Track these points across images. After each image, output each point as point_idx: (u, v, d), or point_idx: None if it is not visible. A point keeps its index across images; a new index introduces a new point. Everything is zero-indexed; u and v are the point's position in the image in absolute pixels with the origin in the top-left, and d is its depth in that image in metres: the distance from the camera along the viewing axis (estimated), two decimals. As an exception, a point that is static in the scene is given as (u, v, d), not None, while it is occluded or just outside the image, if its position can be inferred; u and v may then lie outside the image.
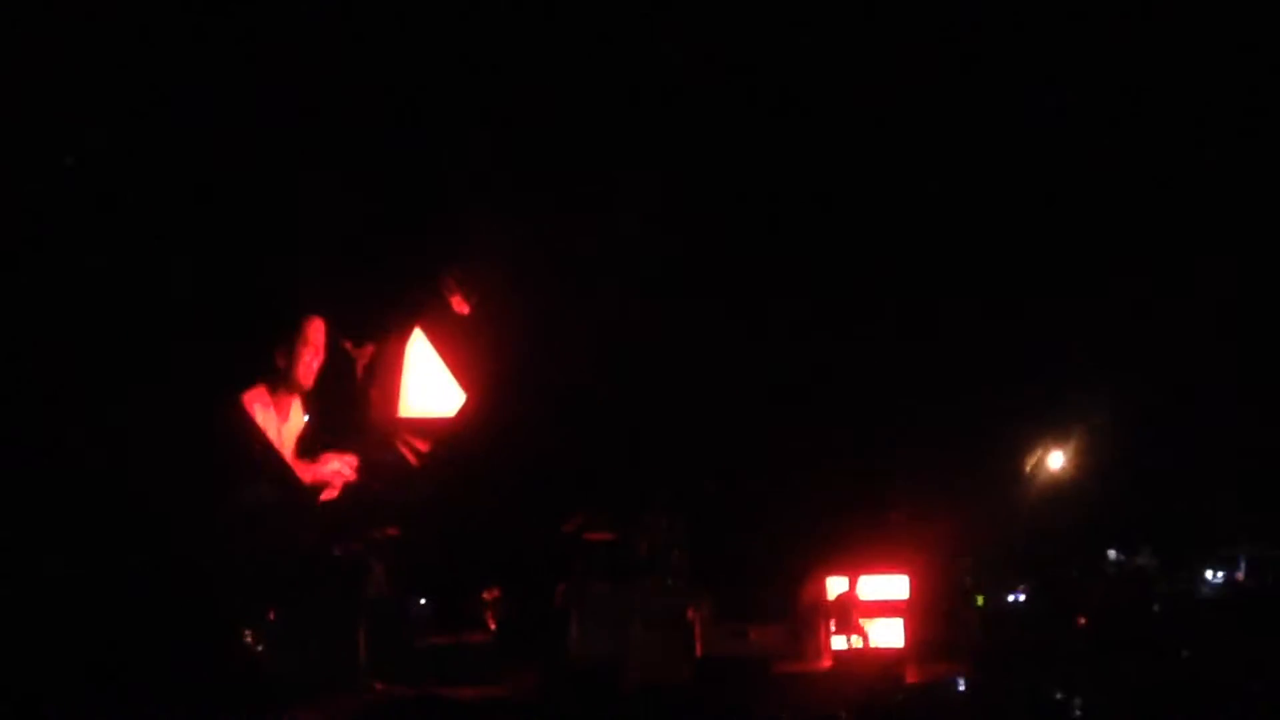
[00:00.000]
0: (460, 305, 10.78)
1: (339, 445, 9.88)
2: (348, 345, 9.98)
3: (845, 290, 12.91)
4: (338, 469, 9.68)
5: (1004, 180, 13.24)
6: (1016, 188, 13.29)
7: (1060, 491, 14.38)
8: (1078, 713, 5.84)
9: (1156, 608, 12.88)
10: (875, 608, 11.29)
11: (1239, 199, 13.21)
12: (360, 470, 9.84)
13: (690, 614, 10.68)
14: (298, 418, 9.66)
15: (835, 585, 11.36)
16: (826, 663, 10.98)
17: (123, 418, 9.14)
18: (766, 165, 12.83)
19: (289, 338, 9.52)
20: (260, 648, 9.07)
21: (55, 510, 8.97)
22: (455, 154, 11.36)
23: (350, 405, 10.08)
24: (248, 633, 9.04)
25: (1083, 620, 12.05)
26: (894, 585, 11.41)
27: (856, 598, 11.24)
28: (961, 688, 9.63)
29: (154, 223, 9.86)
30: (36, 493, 8.94)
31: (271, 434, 9.46)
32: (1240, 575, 13.93)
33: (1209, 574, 14.07)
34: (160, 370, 9.39)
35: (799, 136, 12.84)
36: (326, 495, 9.70)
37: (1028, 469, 14.44)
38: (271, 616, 9.13)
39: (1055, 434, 14.44)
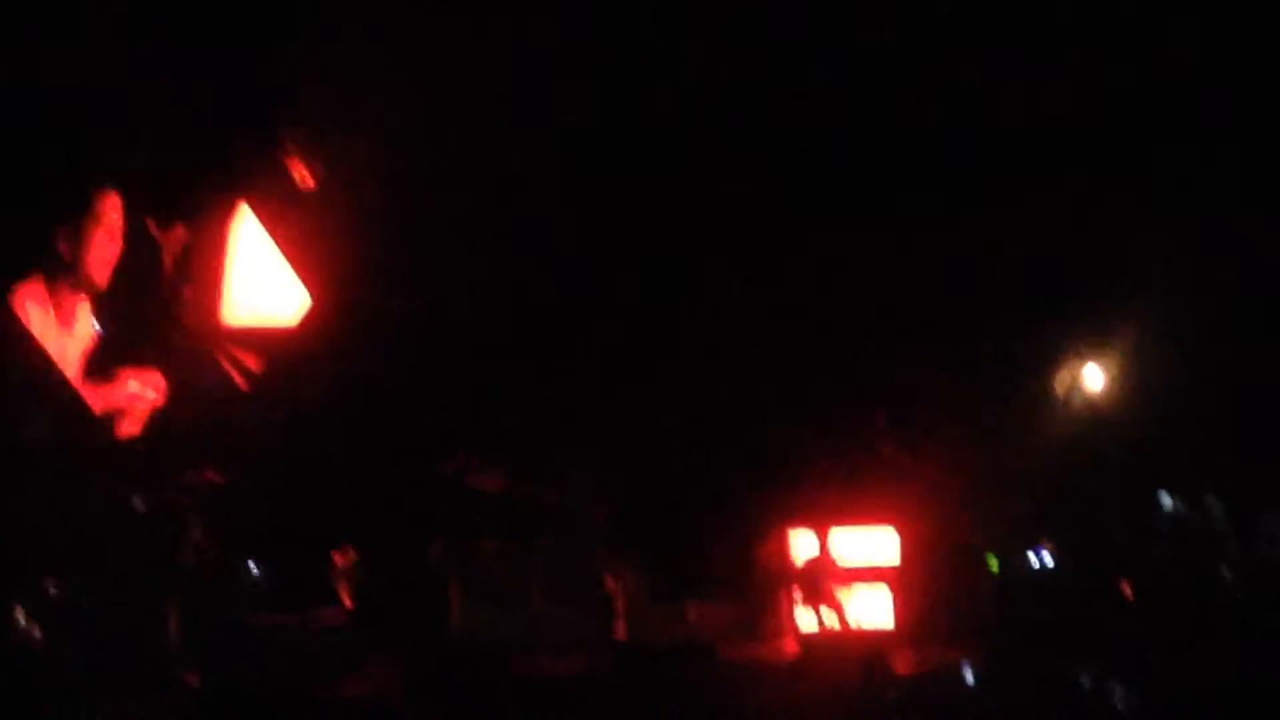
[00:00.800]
0: (303, 176, 10.63)
1: (141, 362, 9.66)
2: (152, 226, 9.91)
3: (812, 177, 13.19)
4: (139, 393, 9.78)
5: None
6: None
7: (1100, 419, 14.74)
8: (1118, 706, 6.17)
9: (1227, 574, 13.11)
10: (855, 574, 11.68)
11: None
12: (171, 395, 9.72)
13: (611, 585, 10.98)
14: (86, 325, 9.38)
15: (802, 544, 11.69)
16: (791, 648, 11.20)
17: None
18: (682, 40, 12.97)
19: (75, 217, 9.50)
20: (37, 630, 9.46)
21: None
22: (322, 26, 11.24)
23: (157, 309, 9.93)
24: (20, 610, 9.39)
25: (1128, 589, 12.29)
26: (879, 543, 11.79)
27: (830, 561, 11.57)
28: (969, 680, 9.87)
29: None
30: None
31: (51, 345, 9.42)
32: None
33: None
34: None
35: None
36: (125, 429, 9.53)
37: (1058, 389, 14.80)
38: (53, 590, 9.25)
39: (1095, 344, 14.83)
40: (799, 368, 12.80)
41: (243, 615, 10.20)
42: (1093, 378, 14.80)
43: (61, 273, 9.43)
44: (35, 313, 9.34)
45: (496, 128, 11.83)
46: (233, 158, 10.69)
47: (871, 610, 11.65)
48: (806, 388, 12.76)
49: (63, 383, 9.45)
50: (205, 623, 9.76)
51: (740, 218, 13.26)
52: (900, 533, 11.86)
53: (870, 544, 11.81)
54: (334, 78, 11.17)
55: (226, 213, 10.45)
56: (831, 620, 11.39)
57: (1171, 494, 14.20)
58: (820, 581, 11.51)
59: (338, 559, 11.03)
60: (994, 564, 12.24)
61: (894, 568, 11.81)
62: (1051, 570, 12.70)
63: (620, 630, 10.75)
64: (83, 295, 9.57)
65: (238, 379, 10.24)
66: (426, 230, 11.42)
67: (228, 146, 10.75)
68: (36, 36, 10.36)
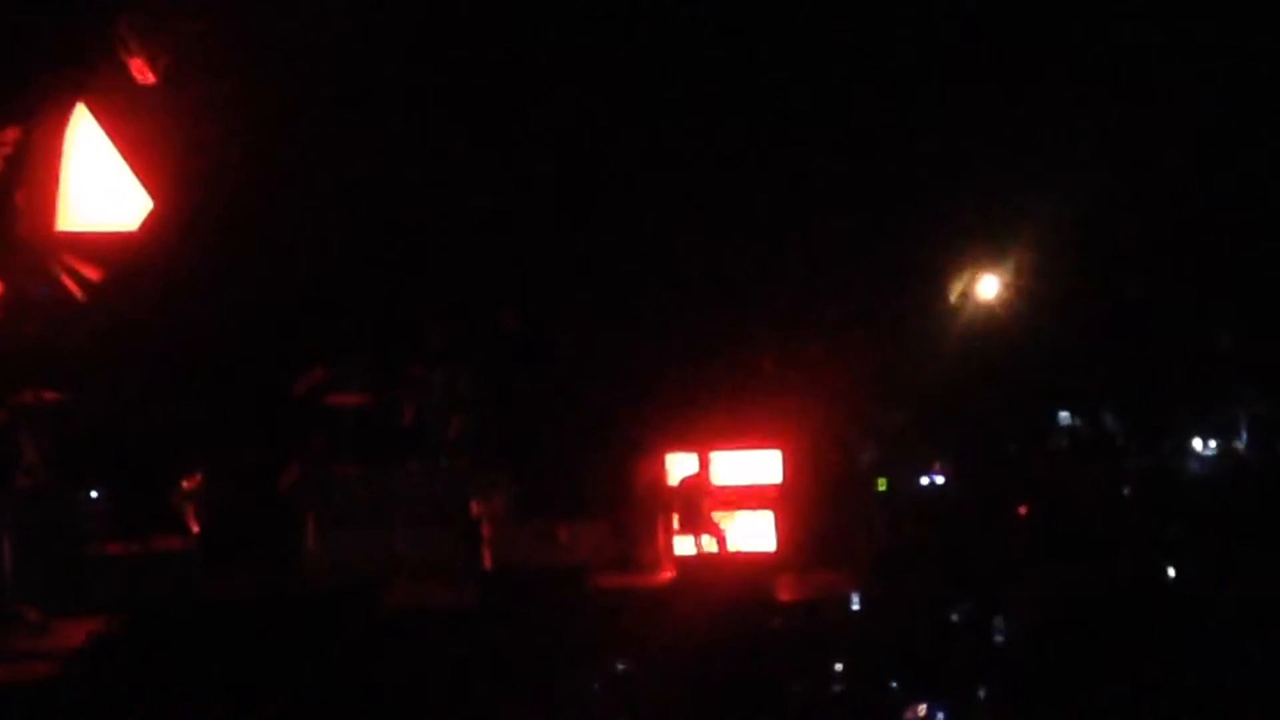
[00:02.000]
0: (143, 72, 10.59)
1: None
2: None
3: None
4: None
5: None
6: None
7: (995, 331, 14.73)
8: (997, 638, 6.20)
9: (1126, 491, 13.31)
10: (736, 496, 11.77)
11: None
12: (1, 307, 9.85)
13: (476, 508, 11.00)
14: None
15: (679, 465, 11.76)
16: (668, 573, 11.32)
17: None
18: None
19: None
20: None
21: None
22: None
23: None
24: None
25: (1023, 510, 12.48)
26: (762, 464, 11.88)
27: (709, 482, 11.66)
28: (856, 606, 9.93)
29: None
30: None
31: None
32: (1241, 445, 14.26)
33: (1198, 444, 14.34)
34: None
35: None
36: None
37: (951, 299, 14.82)
38: None
39: (989, 252, 14.79)
40: (677, 283, 12.85)
41: (83, 545, 10.18)
42: (988, 288, 14.73)
43: None
44: None
45: (344, 21, 11.78)
46: (68, 54, 10.62)
47: (754, 534, 11.74)
48: (686, 304, 12.82)
49: None
50: (42, 553, 9.79)
51: (617, 129, 13.14)
52: (784, 454, 11.92)
53: (753, 466, 11.92)
54: None
55: (62, 113, 10.40)
56: (710, 545, 11.45)
57: (1071, 410, 14.31)
58: (699, 504, 11.57)
59: (184, 483, 11.01)
60: (882, 484, 12.20)
61: (778, 489, 11.86)
62: (943, 489, 12.54)
63: (487, 557, 10.75)
64: None
65: (74, 289, 10.23)
66: (277, 129, 11.36)
67: (63, 42, 10.66)
68: None
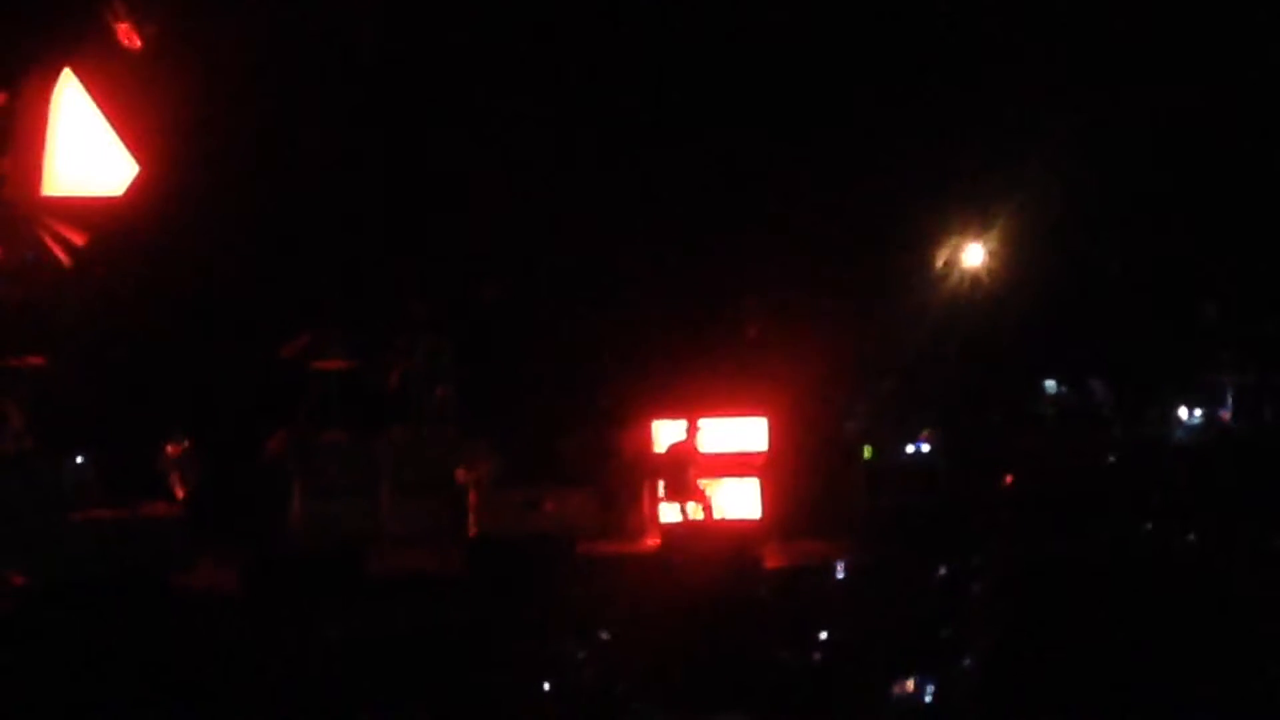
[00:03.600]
0: (130, 37, 10.66)
1: None
2: None
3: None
4: None
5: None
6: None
7: (981, 299, 14.81)
8: (975, 600, 6.19)
9: (1113, 459, 13.31)
10: (722, 464, 11.81)
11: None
12: None
13: (461, 476, 11.07)
14: None
15: (665, 433, 11.81)
16: (653, 541, 11.36)
17: None
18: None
19: None
20: None
21: None
22: None
23: None
24: None
25: (1010, 479, 12.44)
26: (748, 432, 11.96)
27: (695, 450, 11.65)
28: (840, 575, 9.93)
29: None
30: None
31: None
32: (1226, 414, 14.29)
33: (1184, 413, 14.37)
34: None
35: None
36: None
37: (936, 267, 14.90)
38: None
39: (975, 220, 14.89)
40: (662, 250, 12.88)
41: (68, 510, 10.18)
42: (973, 256, 14.80)
43: None
44: None
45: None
46: (54, 18, 10.65)
47: (739, 502, 11.75)
48: (672, 272, 12.85)
49: None
50: (26, 518, 9.82)
51: (607, 105, 13.25)
52: (770, 422, 11.93)
53: (739, 434, 11.94)
54: None
55: (48, 78, 10.50)
56: (696, 512, 11.44)
57: (1057, 379, 14.43)
58: (685, 471, 11.55)
59: (169, 449, 11.03)
60: (868, 453, 12.21)
61: (763, 456, 11.87)
62: (930, 458, 12.54)
63: (471, 524, 10.76)
64: None
65: (60, 254, 10.41)
66: (263, 95, 11.52)
67: (49, 6, 10.68)
68: None
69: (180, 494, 11.11)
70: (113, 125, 10.65)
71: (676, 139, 12.93)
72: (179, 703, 7.50)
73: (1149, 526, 11.49)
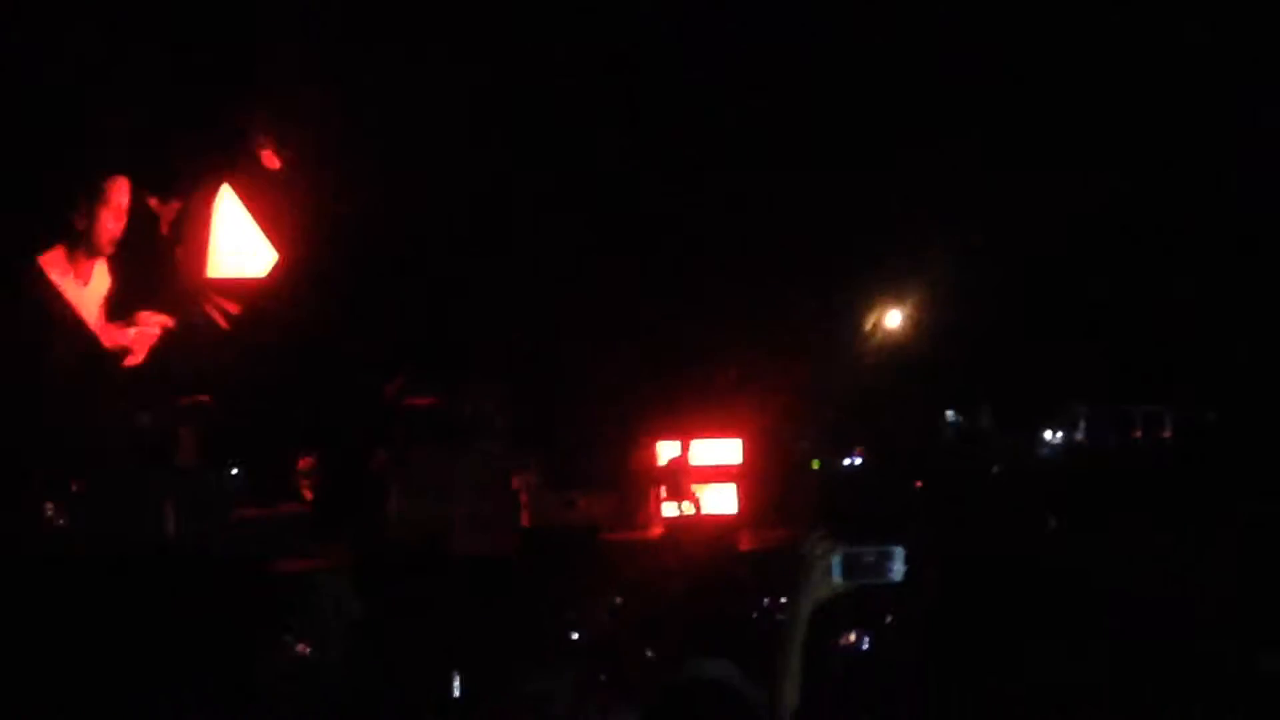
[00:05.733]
0: (271, 160, 10.74)
1: (144, 308, 9.77)
2: (152, 202, 9.92)
3: (671, 144, 12.96)
4: (143, 332, 9.64)
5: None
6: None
7: (898, 352, 14.95)
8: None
9: (995, 469, 13.59)
10: (708, 473, 11.88)
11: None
12: (167, 335, 9.79)
13: (516, 482, 11.00)
14: (101, 281, 9.55)
15: (666, 451, 11.87)
16: (657, 530, 11.37)
17: None
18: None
19: (87, 198, 9.40)
20: (63, 521, 9.14)
21: None
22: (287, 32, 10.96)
23: (157, 266, 10.04)
24: (50, 505, 9.08)
25: (919, 484, 12.65)
26: (727, 450, 11.96)
27: (688, 463, 11.76)
28: (803, 551, 10.00)
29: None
30: None
31: (71, 297, 9.38)
32: (1080, 435, 14.52)
33: (1048, 435, 14.64)
34: None
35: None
36: (131, 360, 9.66)
37: (865, 329, 15.00)
38: (75, 489, 9.16)
39: (894, 293, 15.05)
40: (658, 313, 12.80)
41: (225, 509, 10.02)
42: (892, 319, 14.97)
43: (78, 242, 9.52)
44: (58, 274, 9.45)
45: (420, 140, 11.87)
46: (215, 145, 10.66)
47: (721, 501, 11.77)
48: (666, 331, 12.80)
49: (81, 325, 9.52)
50: (195, 516, 9.70)
51: (625, 172, 13.05)
52: (744, 442, 11.91)
53: (720, 451, 11.93)
54: (295, 88, 11.07)
55: (210, 189, 10.48)
56: (689, 509, 11.49)
57: (954, 410, 14.47)
58: (680, 479, 11.62)
59: (300, 464, 11.04)
60: (815, 465, 12.36)
61: (738, 468, 11.86)
62: (860, 469, 12.69)
63: (524, 518, 10.74)
64: (98, 258, 9.63)
65: (220, 320, 10.38)
66: (369, 201, 11.38)
67: (211, 136, 10.67)
68: (51, 48, 10.15)
69: (309, 497, 11.07)
70: (258, 224, 10.65)
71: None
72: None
73: (1023, 516, 11.66)
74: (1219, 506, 10.89)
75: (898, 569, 4.56)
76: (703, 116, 13.21)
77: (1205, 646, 6.44)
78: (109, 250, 9.68)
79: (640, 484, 11.81)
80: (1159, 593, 7.57)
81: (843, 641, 7.06)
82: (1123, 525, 11.00)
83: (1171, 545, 8.92)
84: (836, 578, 4.39)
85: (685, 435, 11.85)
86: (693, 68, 13.07)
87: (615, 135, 12.93)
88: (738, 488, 11.82)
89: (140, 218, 9.88)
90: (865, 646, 6.54)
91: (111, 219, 9.56)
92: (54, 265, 9.50)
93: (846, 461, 13.32)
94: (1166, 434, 13.93)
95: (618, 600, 9.14)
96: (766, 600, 8.94)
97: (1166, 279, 14.43)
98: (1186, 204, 14.09)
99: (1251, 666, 5.88)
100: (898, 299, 14.93)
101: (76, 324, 9.57)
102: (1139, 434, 14.26)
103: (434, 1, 11.78)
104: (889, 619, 5.33)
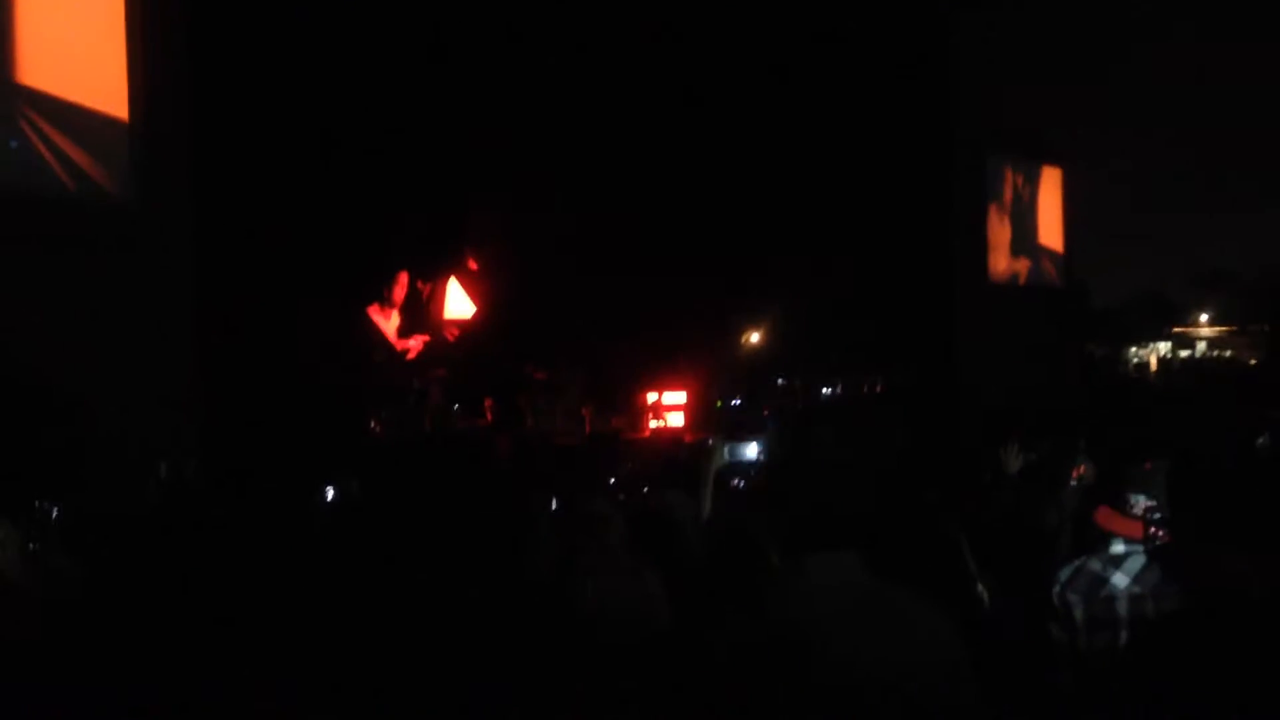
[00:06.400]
0: (474, 265, 11.23)
1: (417, 331, 10.09)
2: (420, 285, 10.30)
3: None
4: (416, 344, 10.05)
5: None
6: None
7: (754, 351, 14.87)
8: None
9: (799, 405, 13.16)
10: (670, 407, 11.82)
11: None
12: (430, 346, 10.16)
13: (584, 411, 11.12)
14: (395, 320, 9.95)
15: (652, 396, 11.88)
16: (647, 434, 11.41)
17: (319, 325, 9.32)
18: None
19: (389, 283, 9.83)
20: (379, 428, 9.43)
21: (278, 368, 8.98)
22: (478, 198, 11.07)
23: (421, 312, 10.32)
24: (375, 422, 9.52)
25: (765, 410, 12.38)
26: (679, 396, 11.93)
27: (661, 402, 11.77)
28: (710, 443, 10.08)
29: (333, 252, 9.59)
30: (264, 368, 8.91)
31: (384, 327, 9.83)
32: (839, 390, 13.84)
33: (825, 389, 13.87)
34: (337, 302, 9.64)
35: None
36: (409, 356, 9.99)
37: (742, 339, 15.00)
38: (384, 414, 9.54)
39: (758, 319, 14.83)
40: (657, 334, 12.03)
41: (453, 422, 10.27)
42: (755, 337, 14.66)
43: (386, 302, 9.63)
44: (378, 316, 9.59)
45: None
46: (447, 260, 10.91)
47: (676, 420, 11.56)
48: (653, 343, 12.02)
49: (386, 341, 9.68)
50: (441, 427, 9.77)
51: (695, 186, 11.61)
52: (688, 392, 11.70)
53: (677, 396, 11.77)
54: (484, 232, 11.05)
55: (445, 279, 10.78)
56: (661, 424, 11.37)
57: (783, 377, 14.02)
58: (659, 410, 11.46)
59: (486, 402, 10.75)
60: (719, 404, 12.11)
61: (685, 404, 11.59)
62: (740, 406, 12.42)
63: (587, 427, 10.47)
64: (394, 308, 9.75)
65: (449, 337, 10.58)
66: (513, 285, 11.40)
67: (447, 256, 10.89)
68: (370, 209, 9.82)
69: (489, 418, 10.81)
70: (466, 293, 10.74)
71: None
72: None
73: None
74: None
75: (754, 450, 5.02)
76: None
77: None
78: (399, 305, 9.84)
79: (641, 411, 11.48)
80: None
81: (731, 484, 6.97)
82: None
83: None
84: (725, 456, 4.93)
85: (660, 388, 11.52)
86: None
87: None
88: (684, 414, 11.47)
89: (414, 291, 10.06)
90: (741, 485, 6.20)
91: (400, 292, 9.75)
92: (375, 312, 9.70)
93: (734, 402, 12.43)
94: (879, 389, 13.04)
95: (628, 464, 8.65)
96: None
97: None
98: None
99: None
100: (756, 327, 14.44)
101: (384, 339, 9.77)
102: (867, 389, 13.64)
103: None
104: (752, 473, 5.39)
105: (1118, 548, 2.66)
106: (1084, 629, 2.60)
